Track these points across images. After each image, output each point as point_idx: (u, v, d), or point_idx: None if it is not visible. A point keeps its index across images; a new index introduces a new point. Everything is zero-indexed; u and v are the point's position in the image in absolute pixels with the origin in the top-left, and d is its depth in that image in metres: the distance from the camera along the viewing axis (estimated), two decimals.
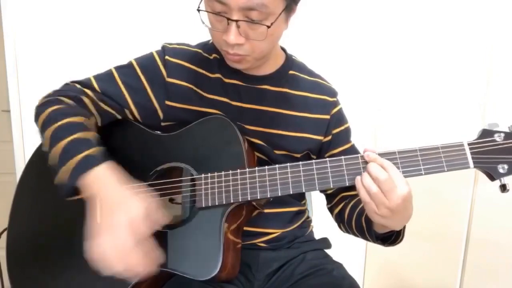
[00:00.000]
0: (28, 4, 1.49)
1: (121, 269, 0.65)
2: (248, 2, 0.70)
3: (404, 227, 0.80)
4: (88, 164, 0.72)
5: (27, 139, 1.58)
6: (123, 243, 0.65)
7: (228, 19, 0.72)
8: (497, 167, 0.70)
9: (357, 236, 0.91)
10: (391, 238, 0.82)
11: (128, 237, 0.65)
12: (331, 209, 0.99)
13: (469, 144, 0.71)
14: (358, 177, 0.72)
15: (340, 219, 0.95)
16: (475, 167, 0.71)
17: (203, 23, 0.77)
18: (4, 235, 0.89)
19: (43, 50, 1.52)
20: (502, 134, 0.71)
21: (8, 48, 1.53)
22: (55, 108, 0.80)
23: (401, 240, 0.82)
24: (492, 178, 0.72)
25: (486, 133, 0.72)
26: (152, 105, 0.87)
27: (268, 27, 0.73)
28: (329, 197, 0.99)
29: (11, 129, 1.58)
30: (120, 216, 0.67)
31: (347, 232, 0.95)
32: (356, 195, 0.92)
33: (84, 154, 0.73)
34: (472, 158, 0.71)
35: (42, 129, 0.79)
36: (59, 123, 0.77)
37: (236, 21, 0.72)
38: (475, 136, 0.72)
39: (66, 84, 0.88)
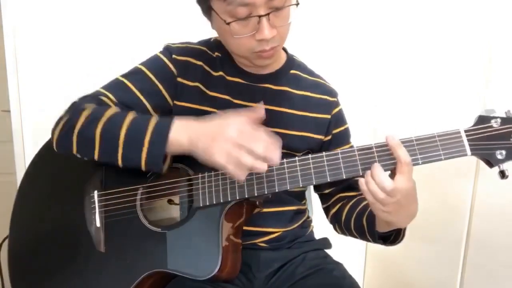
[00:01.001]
0: (28, 4, 1.49)
1: (260, 147, 0.67)
2: None
3: (405, 229, 0.80)
4: (163, 129, 0.72)
5: (27, 139, 1.57)
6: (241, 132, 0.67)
7: (259, 16, 0.73)
8: (495, 153, 0.70)
9: (355, 237, 0.92)
10: (391, 237, 0.83)
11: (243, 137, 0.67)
12: (326, 210, 0.99)
13: (465, 131, 0.71)
14: (362, 180, 0.72)
15: (336, 220, 0.95)
16: (472, 154, 0.71)
17: (233, 35, 0.76)
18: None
19: (43, 50, 1.52)
20: (499, 120, 0.70)
21: (8, 48, 1.52)
22: (89, 113, 0.76)
23: (402, 239, 0.82)
24: (490, 165, 0.71)
25: (483, 119, 0.71)
26: (168, 105, 0.87)
27: (297, 4, 0.75)
28: (325, 197, 0.99)
29: (11, 129, 1.57)
30: (223, 137, 0.68)
31: (343, 233, 0.95)
32: (355, 196, 0.92)
33: (152, 124, 0.73)
34: (469, 145, 0.71)
35: (83, 134, 0.75)
36: (104, 118, 0.75)
37: (267, 15, 0.73)
38: (472, 123, 0.72)
39: (74, 102, 0.83)
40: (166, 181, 0.83)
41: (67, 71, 1.52)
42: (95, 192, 0.84)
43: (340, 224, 0.94)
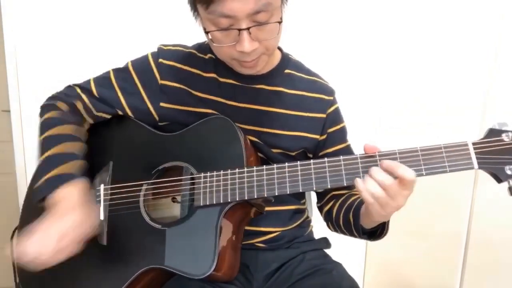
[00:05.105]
0: (28, 4, 1.49)
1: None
2: (255, 6, 0.70)
3: (389, 222, 0.81)
4: (55, 183, 0.77)
5: (27, 139, 1.57)
6: (46, 245, 0.70)
7: (239, 29, 0.72)
8: (505, 168, 0.67)
9: (345, 234, 0.92)
10: (376, 233, 0.83)
11: (53, 241, 0.71)
12: (320, 208, 0.99)
13: (473, 144, 0.69)
14: (358, 179, 0.71)
15: (328, 218, 0.96)
16: (480, 168, 0.68)
17: (214, 43, 0.77)
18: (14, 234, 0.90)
19: (43, 50, 1.52)
20: (511, 134, 0.68)
21: (8, 48, 1.52)
22: (49, 116, 0.86)
23: (385, 234, 0.83)
24: (499, 180, 0.68)
25: (493, 133, 0.69)
26: (146, 108, 0.89)
27: (280, 22, 0.74)
28: (320, 196, 0.99)
29: (11, 129, 1.57)
30: (54, 224, 0.72)
31: (335, 230, 0.95)
32: (345, 194, 0.93)
33: (54, 172, 0.78)
34: (477, 158, 0.68)
35: (39, 132, 0.86)
36: (48, 133, 0.83)
37: (247, 29, 0.72)
38: (481, 136, 0.70)
39: (68, 87, 0.92)
40: (170, 179, 0.83)
41: (67, 71, 1.52)
42: (102, 186, 0.85)
43: (332, 221, 0.94)
